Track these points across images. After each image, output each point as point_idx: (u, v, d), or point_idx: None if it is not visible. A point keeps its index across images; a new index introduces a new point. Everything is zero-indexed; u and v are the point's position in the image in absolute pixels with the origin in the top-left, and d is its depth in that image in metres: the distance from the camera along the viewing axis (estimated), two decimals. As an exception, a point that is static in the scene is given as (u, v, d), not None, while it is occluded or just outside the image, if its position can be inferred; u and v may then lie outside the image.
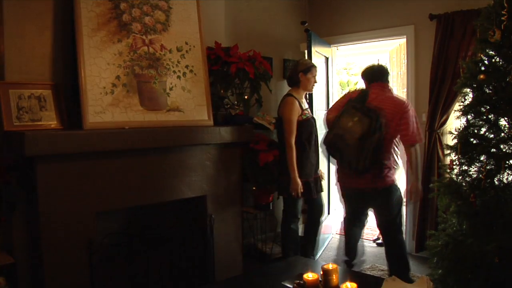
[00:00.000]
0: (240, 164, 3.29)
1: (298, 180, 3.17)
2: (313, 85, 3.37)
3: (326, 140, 2.96)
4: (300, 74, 3.27)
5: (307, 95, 3.56)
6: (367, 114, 2.68)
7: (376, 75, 3.03)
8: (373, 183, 2.88)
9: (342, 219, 4.35)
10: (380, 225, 3.15)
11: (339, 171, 3.22)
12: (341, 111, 2.85)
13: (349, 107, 2.80)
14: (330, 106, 3.87)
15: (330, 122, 3.01)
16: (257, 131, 3.45)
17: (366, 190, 2.93)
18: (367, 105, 2.77)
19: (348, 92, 3.36)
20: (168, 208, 2.83)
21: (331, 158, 3.62)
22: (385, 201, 2.94)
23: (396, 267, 3.01)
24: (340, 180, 3.18)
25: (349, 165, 2.82)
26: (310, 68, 3.30)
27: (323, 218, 3.71)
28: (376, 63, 3.32)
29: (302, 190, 3.20)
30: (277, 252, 3.78)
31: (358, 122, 2.66)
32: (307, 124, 3.27)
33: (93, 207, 2.48)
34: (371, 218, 4.72)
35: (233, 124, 3.19)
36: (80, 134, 2.39)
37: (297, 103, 3.24)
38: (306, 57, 3.95)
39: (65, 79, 2.63)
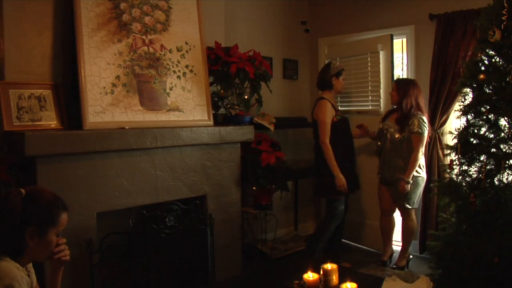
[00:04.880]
0: (240, 164, 3.30)
1: (342, 176, 3.26)
2: (343, 87, 3.57)
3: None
4: (333, 78, 3.41)
5: None
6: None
7: None
8: None
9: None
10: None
11: None
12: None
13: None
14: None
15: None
16: (257, 131, 3.45)
17: None
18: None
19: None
20: (168, 208, 2.83)
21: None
22: None
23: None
24: None
25: None
26: (341, 71, 3.48)
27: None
28: None
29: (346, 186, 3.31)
30: (277, 252, 3.78)
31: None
32: (343, 124, 3.43)
33: (93, 207, 2.48)
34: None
35: (233, 124, 3.19)
36: (80, 134, 2.39)
37: (330, 105, 3.37)
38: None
39: (65, 79, 2.64)
